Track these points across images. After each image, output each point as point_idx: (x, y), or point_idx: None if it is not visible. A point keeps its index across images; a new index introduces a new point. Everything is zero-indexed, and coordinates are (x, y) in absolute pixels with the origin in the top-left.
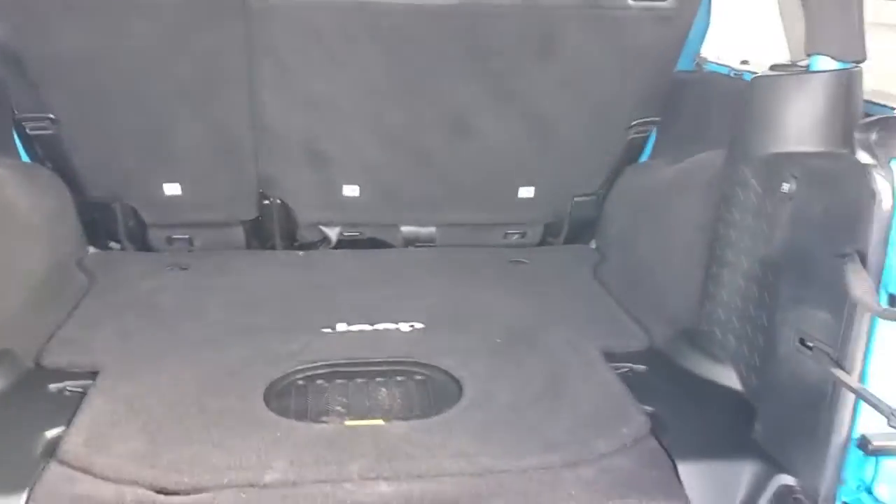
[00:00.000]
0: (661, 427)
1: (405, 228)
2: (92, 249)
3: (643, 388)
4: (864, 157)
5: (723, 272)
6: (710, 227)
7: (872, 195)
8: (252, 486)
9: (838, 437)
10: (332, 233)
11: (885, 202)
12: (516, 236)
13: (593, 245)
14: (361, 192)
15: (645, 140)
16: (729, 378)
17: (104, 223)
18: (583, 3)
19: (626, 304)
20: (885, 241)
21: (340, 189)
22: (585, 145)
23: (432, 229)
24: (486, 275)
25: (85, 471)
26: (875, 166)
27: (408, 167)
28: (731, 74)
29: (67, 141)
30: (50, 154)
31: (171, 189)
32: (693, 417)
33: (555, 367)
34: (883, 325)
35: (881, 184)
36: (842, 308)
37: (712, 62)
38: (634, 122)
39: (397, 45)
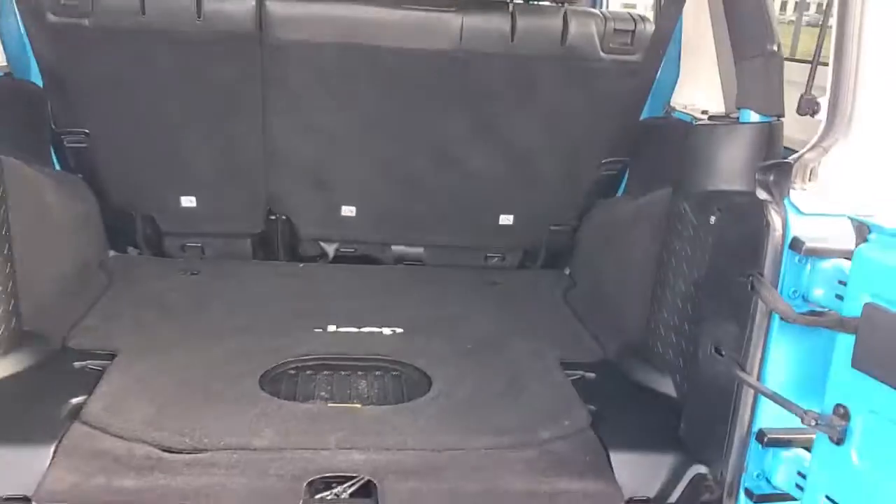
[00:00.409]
0: (600, 422)
1: (395, 247)
2: (112, 252)
3: (590, 391)
4: (762, 194)
5: (664, 293)
6: (657, 254)
7: (768, 225)
8: (244, 448)
9: (741, 431)
10: (330, 248)
11: (777, 231)
12: (496, 259)
13: (567, 271)
14: (357, 212)
15: (616, 178)
16: (666, 386)
17: (124, 229)
18: (560, 54)
19: (588, 322)
20: (779, 263)
21: (339, 209)
22: (560, 180)
23: (420, 249)
24: (465, 292)
25: (103, 430)
26: (771, 202)
27: (399, 192)
28: (692, 122)
29: (98, 154)
30: (81, 165)
31: (188, 202)
32: (629, 416)
33: (515, 371)
34: (779, 333)
35: (774, 217)
36: (746, 320)
37: (679, 110)
38: (604, 161)
39: (392, 83)
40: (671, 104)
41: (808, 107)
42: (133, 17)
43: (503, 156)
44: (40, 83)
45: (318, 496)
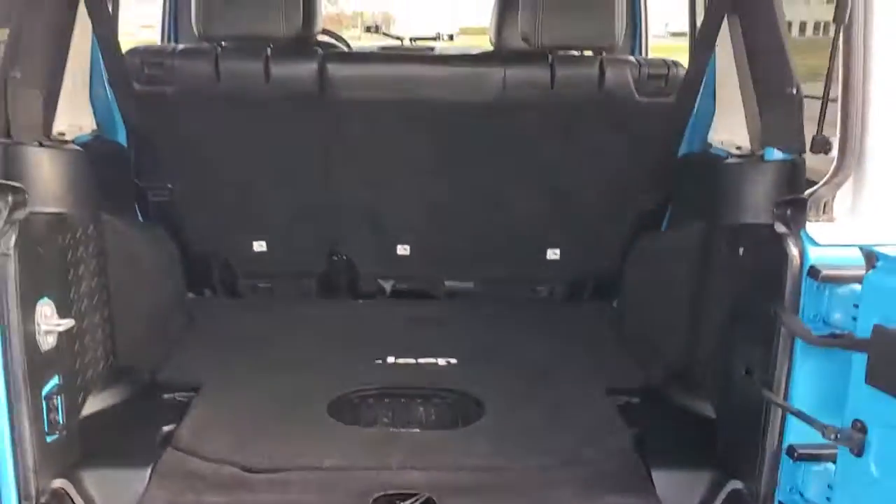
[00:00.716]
0: (642, 443)
1: (448, 283)
2: (191, 295)
3: (633, 415)
4: (780, 227)
5: (702, 323)
6: (695, 285)
7: (786, 256)
8: (315, 468)
9: (772, 447)
10: (387, 285)
11: (796, 261)
12: (545, 292)
13: (615, 303)
14: (411, 251)
15: (658, 212)
16: (705, 409)
17: (202, 273)
18: (599, 99)
19: (633, 351)
20: (799, 290)
21: (395, 248)
22: (603, 216)
23: (470, 284)
24: (514, 324)
25: (192, 454)
26: (788, 234)
27: (450, 231)
28: (726, 157)
29: (179, 206)
30: (163, 216)
31: (259, 246)
32: (670, 437)
33: (562, 397)
34: (802, 355)
35: (792, 248)
36: (771, 344)
37: (716, 146)
38: (645, 197)
39: (441, 132)
40: (709, 140)
41: (820, 146)
42: (209, 85)
43: (547, 195)
44: (125, 143)
45: None
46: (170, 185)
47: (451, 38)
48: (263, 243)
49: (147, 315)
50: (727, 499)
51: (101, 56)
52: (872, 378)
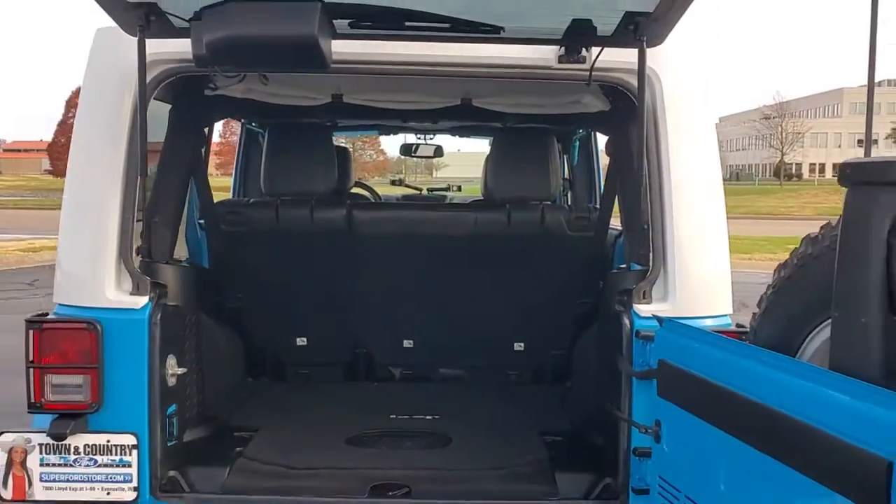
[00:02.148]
0: (553, 459)
1: (442, 370)
2: (249, 378)
3: (553, 446)
4: (618, 307)
5: (600, 384)
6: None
7: (621, 325)
8: (335, 468)
9: (623, 450)
10: (397, 371)
11: (626, 328)
12: (514, 377)
13: (568, 384)
14: (415, 344)
15: (593, 314)
16: (598, 439)
17: (258, 362)
18: (541, 233)
19: (570, 411)
20: (630, 345)
21: (402, 343)
22: (551, 318)
23: (460, 371)
24: (486, 397)
25: (254, 460)
26: (623, 312)
27: (443, 329)
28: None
29: (245, 311)
30: (233, 318)
31: (301, 342)
32: (572, 457)
33: (508, 436)
34: (636, 386)
35: (625, 320)
36: (620, 381)
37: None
38: (580, 302)
39: (434, 255)
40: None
41: (644, 260)
42: (270, 224)
43: (511, 303)
44: (207, 266)
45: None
46: (239, 296)
47: (459, 188)
48: (304, 339)
49: (220, 386)
50: (602, 490)
51: (197, 206)
52: (661, 393)
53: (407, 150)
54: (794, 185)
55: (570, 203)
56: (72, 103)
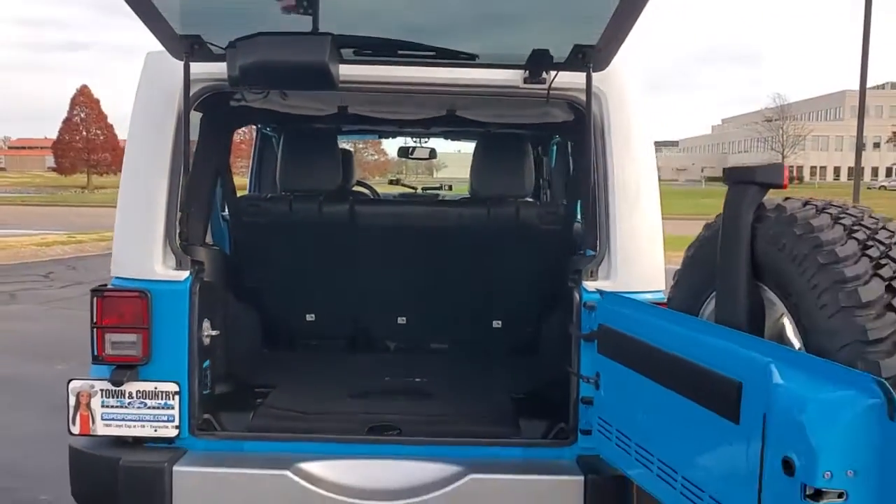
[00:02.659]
0: (517, 409)
1: (431, 344)
2: (264, 350)
3: (519, 401)
4: (571, 283)
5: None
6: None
7: (573, 298)
8: (339, 412)
9: (573, 399)
10: (392, 344)
11: (576, 301)
12: (492, 350)
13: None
14: (407, 321)
15: (558, 296)
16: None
17: (272, 335)
18: (516, 226)
19: (534, 375)
20: (580, 314)
21: (396, 320)
22: (524, 299)
23: (446, 345)
24: (467, 366)
25: (272, 407)
26: (574, 288)
27: (431, 307)
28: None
29: (262, 291)
30: (252, 296)
31: (309, 318)
32: (533, 407)
33: (480, 393)
34: (584, 347)
35: (576, 294)
36: (571, 344)
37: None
38: (545, 286)
39: (424, 244)
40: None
41: (592, 244)
42: (285, 216)
43: (490, 286)
44: (228, 251)
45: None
46: (257, 277)
47: (450, 188)
48: (313, 315)
49: (242, 350)
50: (557, 432)
51: (221, 199)
52: (600, 350)
53: (404, 152)
54: (794, 189)
55: (548, 199)
56: (76, 102)
